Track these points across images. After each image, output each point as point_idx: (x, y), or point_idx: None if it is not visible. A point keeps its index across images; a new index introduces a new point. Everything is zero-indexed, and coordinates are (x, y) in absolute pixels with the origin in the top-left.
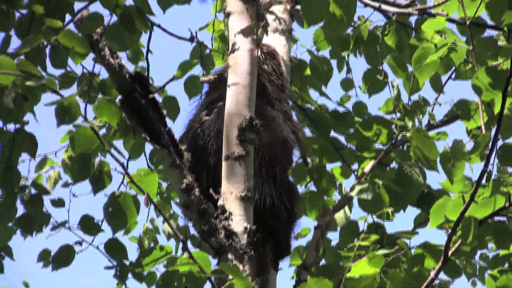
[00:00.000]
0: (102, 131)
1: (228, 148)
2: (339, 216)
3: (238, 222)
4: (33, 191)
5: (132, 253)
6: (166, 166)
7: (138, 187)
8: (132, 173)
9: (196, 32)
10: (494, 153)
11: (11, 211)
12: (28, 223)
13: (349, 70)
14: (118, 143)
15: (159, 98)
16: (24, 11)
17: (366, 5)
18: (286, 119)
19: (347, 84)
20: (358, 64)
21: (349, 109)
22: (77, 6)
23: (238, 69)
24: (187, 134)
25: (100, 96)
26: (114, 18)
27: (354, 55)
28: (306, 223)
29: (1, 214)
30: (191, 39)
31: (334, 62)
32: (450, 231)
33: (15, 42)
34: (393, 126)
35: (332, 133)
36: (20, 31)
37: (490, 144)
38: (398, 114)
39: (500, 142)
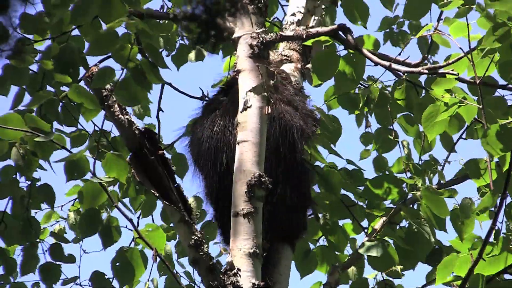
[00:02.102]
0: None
1: (236, 205)
2: (351, 271)
3: (246, 279)
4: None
5: None
6: (175, 222)
7: (146, 242)
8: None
9: (207, 91)
10: (502, 210)
11: (33, 261)
12: (49, 273)
13: (368, 125)
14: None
15: (168, 155)
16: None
17: (376, 64)
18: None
19: (366, 139)
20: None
21: (359, 166)
22: (90, 61)
23: (248, 126)
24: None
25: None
26: (125, 73)
27: (364, 115)
28: (317, 278)
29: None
30: (202, 98)
31: (347, 122)
32: None
33: (27, 99)
34: (404, 185)
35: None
36: (32, 87)
37: (498, 201)
38: (409, 174)
39: (508, 199)
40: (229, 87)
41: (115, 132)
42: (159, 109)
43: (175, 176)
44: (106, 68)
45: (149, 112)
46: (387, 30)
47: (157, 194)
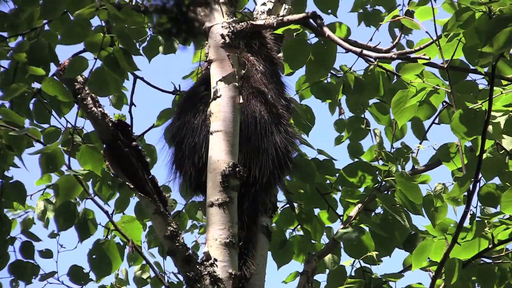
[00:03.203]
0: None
1: (211, 195)
2: (328, 259)
3: (223, 268)
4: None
5: None
6: (150, 214)
7: (123, 234)
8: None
9: (179, 85)
10: (475, 194)
11: (3, 259)
12: (21, 271)
13: (341, 112)
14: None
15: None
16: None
17: (347, 50)
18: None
19: (340, 126)
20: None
21: (331, 157)
22: (61, 57)
23: (221, 116)
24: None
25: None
26: (98, 63)
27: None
28: (294, 268)
29: None
30: (174, 92)
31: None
32: (434, 273)
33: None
34: (378, 172)
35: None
36: (4, 81)
37: (471, 186)
38: (381, 162)
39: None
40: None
41: (88, 129)
42: (131, 103)
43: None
44: (78, 57)
45: (126, 100)
46: (361, 11)
47: (132, 186)
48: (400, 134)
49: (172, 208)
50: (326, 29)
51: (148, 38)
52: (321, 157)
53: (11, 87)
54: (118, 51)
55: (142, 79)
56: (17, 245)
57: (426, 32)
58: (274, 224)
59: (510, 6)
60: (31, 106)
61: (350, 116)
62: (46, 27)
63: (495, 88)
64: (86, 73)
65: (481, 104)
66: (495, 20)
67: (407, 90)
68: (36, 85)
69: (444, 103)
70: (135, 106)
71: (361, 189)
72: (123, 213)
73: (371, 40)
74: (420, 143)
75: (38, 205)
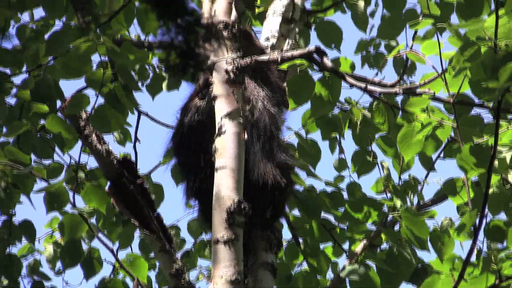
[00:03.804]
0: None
1: (217, 232)
2: None
3: None
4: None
5: None
6: (156, 252)
7: (128, 272)
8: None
9: None
10: (480, 230)
11: None
12: None
13: (341, 151)
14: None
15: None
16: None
17: (352, 86)
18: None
19: (340, 165)
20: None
21: (340, 187)
22: (67, 92)
23: (226, 152)
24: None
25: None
26: (100, 100)
27: (343, 137)
28: None
29: None
30: None
31: (326, 143)
32: None
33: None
34: (385, 207)
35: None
36: (9, 121)
37: (477, 221)
38: (389, 194)
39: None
40: (205, 86)
41: (92, 165)
42: (136, 139)
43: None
44: (80, 94)
45: (129, 138)
46: (364, 53)
47: (137, 224)
48: (407, 167)
49: (181, 248)
50: (330, 64)
51: (151, 75)
52: (330, 189)
53: (15, 124)
54: (118, 87)
55: (146, 114)
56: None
57: (432, 66)
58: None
59: None
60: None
61: (356, 149)
62: (51, 62)
63: (501, 122)
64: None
65: (487, 138)
66: (501, 55)
67: (413, 124)
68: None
69: (449, 138)
70: (139, 142)
71: (368, 225)
72: (131, 248)
73: (376, 75)
74: (427, 175)
75: (47, 249)
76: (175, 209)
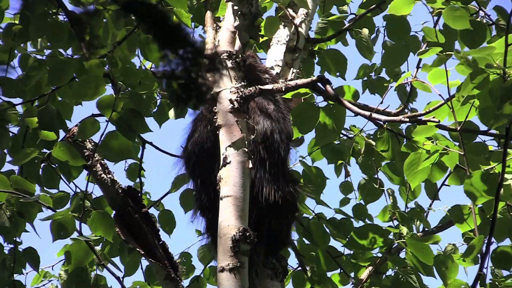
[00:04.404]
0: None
1: (222, 260)
2: None
3: None
4: None
5: None
6: (161, 280)
7: None
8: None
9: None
10: (488, 256)
11: None
12: None
13: (347, 174)
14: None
15: (153, 212)
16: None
17: (356, 114)
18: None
19: (345, 188)
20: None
21: (348, 215)
22: (69, 124)
23: (230, 181)
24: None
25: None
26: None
27: (348, 164)
28: None
29: None
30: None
31: (331, 166)
32: None
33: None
34: (391, 234)
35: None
36: (14, 150)
37: (484, 247)
38: (396, 222)
39: (494, 245)
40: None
41: (97, 193)
42: (141, 168)
43: (163, 232)
44: (89, 119)
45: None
46: (365, 79)
47: (142, 252)
48: (413, 196)
49: (189, 275)
50: (333, 92)
51: (158, 103)
52: (339, 217)
53: (21, 153)
54: (128, 112)
55: (151, 143)
56: None
57: (439, 95)
58: None
59: None
60: (40, 171)
61: (363, 178)
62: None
63: (508, 150)
64: (95, 138)
65: (494, 166)
66: (510, 82)
67: (419, 152)
68: (44, 149)
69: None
70: (144, 170)
71: (374, 251)
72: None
73: (381, 103)
74: (432, 204)
75: (61, 275)
76: (187, 235)
